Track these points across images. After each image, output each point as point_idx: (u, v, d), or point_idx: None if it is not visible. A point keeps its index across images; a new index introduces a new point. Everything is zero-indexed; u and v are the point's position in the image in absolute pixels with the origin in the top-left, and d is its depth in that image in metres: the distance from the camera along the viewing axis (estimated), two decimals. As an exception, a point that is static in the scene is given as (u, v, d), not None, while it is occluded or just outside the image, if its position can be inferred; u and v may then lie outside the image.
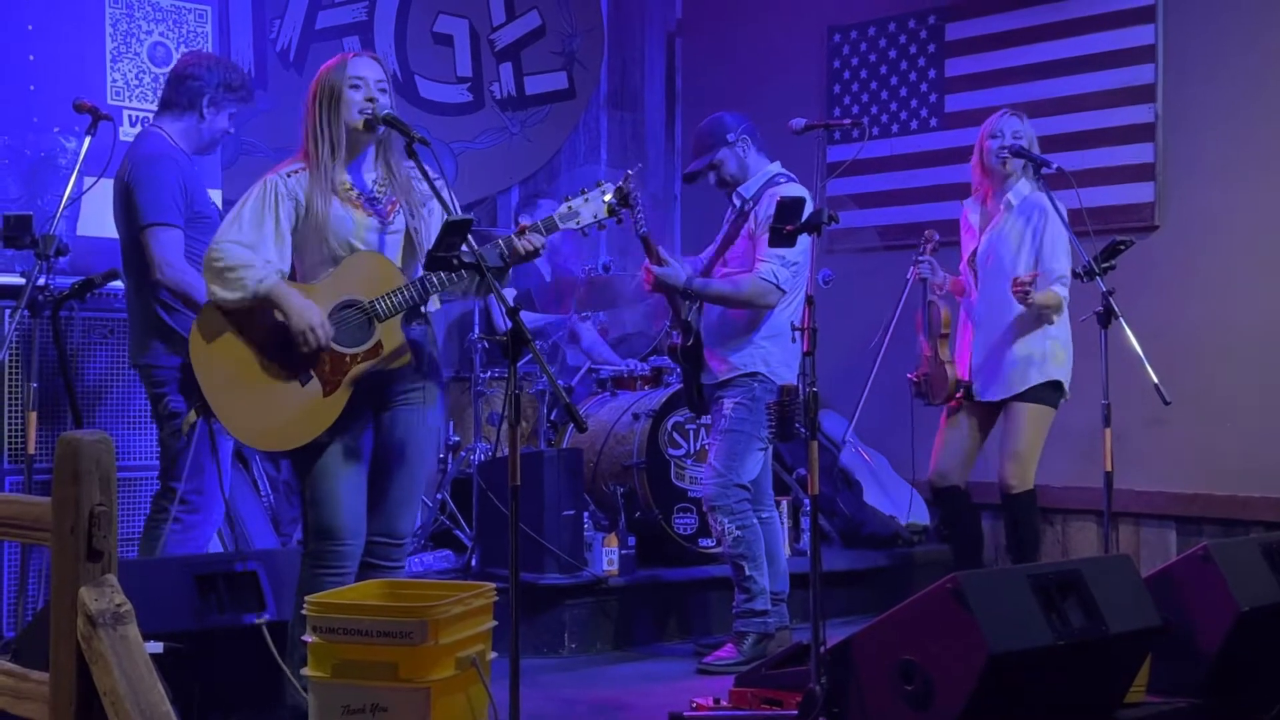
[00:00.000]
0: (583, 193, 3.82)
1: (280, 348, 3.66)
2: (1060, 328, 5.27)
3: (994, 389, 5.32)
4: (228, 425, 3.72)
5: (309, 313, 3.61)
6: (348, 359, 3.65)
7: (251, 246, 3.64)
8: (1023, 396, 5.27)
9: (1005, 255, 5.30)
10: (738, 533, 4.95)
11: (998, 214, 5.35)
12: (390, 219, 3.76)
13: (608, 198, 3.80)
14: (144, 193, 4.37)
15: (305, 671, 3.31)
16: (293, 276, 3.75)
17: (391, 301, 3.65)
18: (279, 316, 3.63)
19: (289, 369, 3.66)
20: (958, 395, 5.42)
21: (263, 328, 3.66)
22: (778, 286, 4.87)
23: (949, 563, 6.09)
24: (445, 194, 3.63)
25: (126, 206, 4.44)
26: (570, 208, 3.80)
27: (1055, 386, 5.28)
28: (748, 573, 4.97)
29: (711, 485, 4.99)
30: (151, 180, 4.37)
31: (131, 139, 4.82)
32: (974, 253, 5.43)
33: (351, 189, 3.74)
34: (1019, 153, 5.23)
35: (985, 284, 5.36)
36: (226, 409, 3.68)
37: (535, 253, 3.74)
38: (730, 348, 4.99)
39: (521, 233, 3.72)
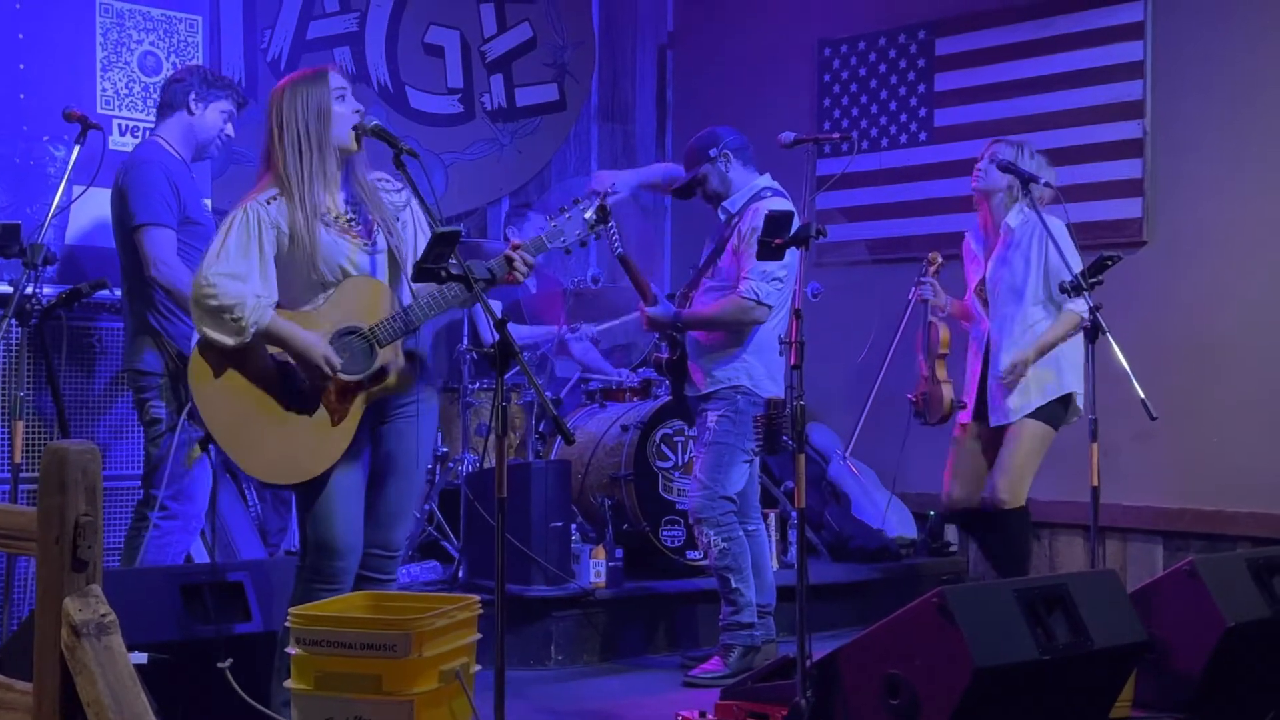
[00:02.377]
0: (563, 210, 3.82)
1: (282, 380, 3.60)
2: (1067, 346, 5.27)
3: (1001, 413, 5.32)
4: (242, 464, 3.61)
5: (316, 345, 3.55)
6: (353, 386, 3.63)
7: (241, 278, 3.52)
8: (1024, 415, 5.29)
9: (1015, 280, 5.31)
10: (723, 545, 4.95)
11: (1000, 240, 5.37)
12: (375, 239, 3.71)
13: (588, 215, 3.81)
14: (134, 194, 4.45)
15: (289, 683, 3.31)
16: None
17: (392, 327, 3.62)
18: (277, 352, 3.58)
19: (295, 401, 3.60)
20: (960, 418, 5.44)
21: (262, 362, 3.59)
22: (759, 302, 4.88)
23: (936, 576, 6.11)
24: (430, 203, 3.59)
25: (120, 210, 4.50)
26: (555, 227, 3.80)
27: (1064, 401, 5.28)
28: (733, 585, 4.97)
29: (697, 497, 4.99)
30: (140, 182, 4.45)
31: (120, 148, 4.84)
32: (981, 281, 5.45)
33: (341, 215, 3.67)
34: (1006, 167, 5.22)
35: (995, 309, 5.37)
36: (238, 447, 3.59)
37: (527, 270, 3.71)
38: (713, 361, 5.00)
39: (515, 249, 3.69)
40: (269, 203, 3.59)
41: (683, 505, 5.70)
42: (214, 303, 3.50)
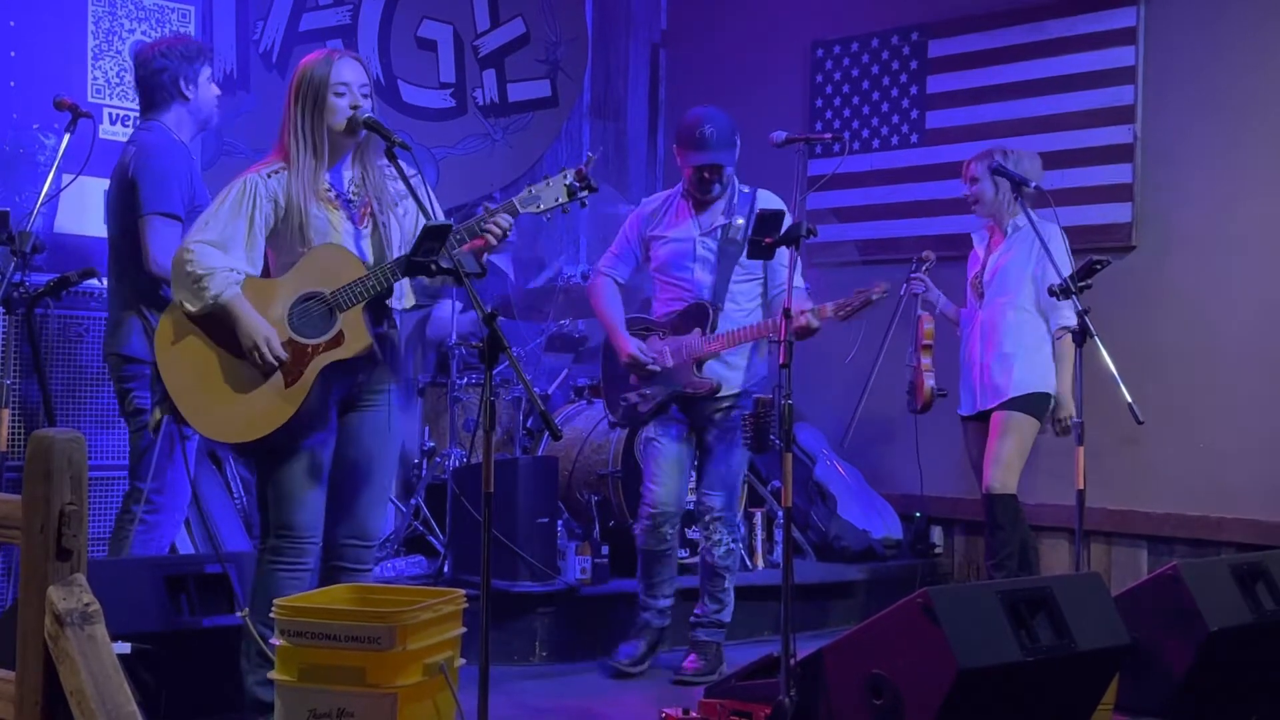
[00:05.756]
0: (545, 179, 3.88)
1: (240, 346, 3.67)
2: (1051, 344, 5.36)
3: (984, 399, 5.45)
4: (191, 420, 3.69)
5: (259, 329, 3.61)
6: (309, 349, 3.66)
7: (222, 247, 3.63)
8: (1008, 404, 5.37)
9: (1009, 277, 5.43)
10: (731, 545, 5.01)
11: (1004, 238, 5.50)
12: (364, 221, 3.78)
13: (567, 181, 3.86)
14: (151, 182, 4.31)
15: (272, 675, 3.30)
16: (266, 272, 3.76)
17: (352, 292, 3.66)
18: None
19: (250, 364, 3.66)
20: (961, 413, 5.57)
21: (224, 329, 3.67)
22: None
23: (921, 577, 6.11)
24: (423, 196, 3.64)
25: (127, 195, 4.35)
26: (531, 192, 3.86)
27: (1044, 398, 5.36)
28: (726, 585, 5.04)
29: (724, 496, 5.00)
30: (160, 171, 4.33)
31: (110, 137, 4.82)
32: (978, 275, 5.58)
33: (330, 190, 3.75)
34: (998, 170, 5.37)
35: (990, 298, 5.50)
36: (190, 404, 3.68)
37: (502, 231, 3.75)
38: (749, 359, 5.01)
39: (490, 213, 3.76)
40: (270, 176, 3.70)
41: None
42: (188, 268, 3.61)
